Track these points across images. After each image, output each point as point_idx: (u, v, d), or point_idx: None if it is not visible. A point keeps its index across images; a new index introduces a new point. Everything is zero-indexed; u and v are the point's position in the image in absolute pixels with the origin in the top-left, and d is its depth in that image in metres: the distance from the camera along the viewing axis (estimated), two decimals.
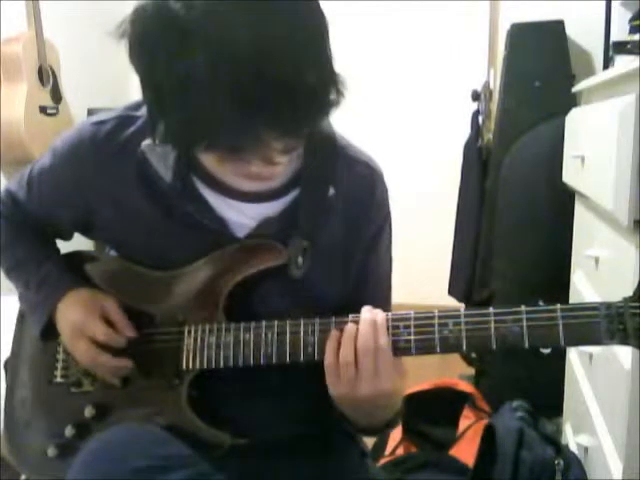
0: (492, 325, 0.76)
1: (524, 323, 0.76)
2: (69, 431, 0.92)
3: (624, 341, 0.74)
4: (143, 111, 0.93)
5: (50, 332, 0.97)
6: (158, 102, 0.72)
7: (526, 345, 0.76)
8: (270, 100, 0.66)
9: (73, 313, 0.94)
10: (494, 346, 0.76)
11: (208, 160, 0.88)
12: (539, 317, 0.76)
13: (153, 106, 0.75)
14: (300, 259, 0.89)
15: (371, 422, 0.90)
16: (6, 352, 1.07)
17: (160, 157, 0.89)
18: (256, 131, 0.68)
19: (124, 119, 0.93)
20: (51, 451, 0.93)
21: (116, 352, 0.91)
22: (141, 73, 0.73)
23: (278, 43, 0.66)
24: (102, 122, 0.93)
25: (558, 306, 0.75)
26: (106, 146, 0.91)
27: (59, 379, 0.98)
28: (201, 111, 0.67)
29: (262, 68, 0.65)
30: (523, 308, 0.76)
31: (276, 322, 0.85)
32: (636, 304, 0.73)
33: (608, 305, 0.74)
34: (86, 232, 1.01)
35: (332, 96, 0.71)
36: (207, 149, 0.73)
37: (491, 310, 0.77)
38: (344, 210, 0.93)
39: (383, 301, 0.97)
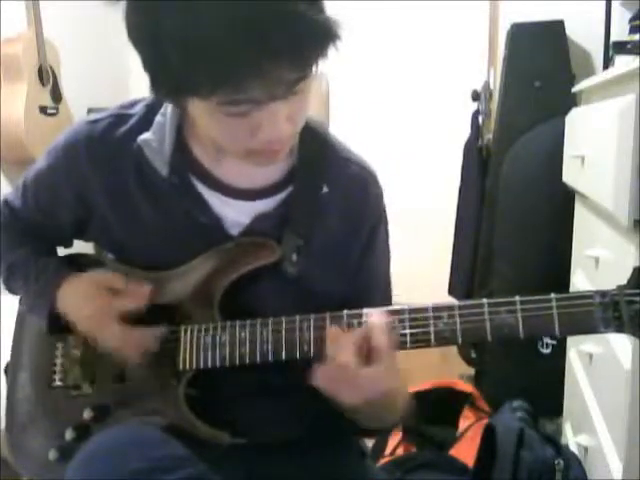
0: (487, 316, 0.76)
1: (519, 314, 0.76)
2: (69, 434, 0.92)
3: (619, 329, 0.73)
4: (138, 109, 0.93)
5: (55, 324, 0.96)
6: (159, 53, 0.70)
7: (521, 335, 0.75)
8: (268, 28, 0.66)
9: (84, 299, 0.92)
10: (489, 338, 0.76)
11: (206, 155, 0.89)
12: (534, 307, 0.76)
13: (154, 59, 0.73)
14: (294, 256, 0.89)
15: (381, 421, 0.88)
16: (5, 352, 1.07)
17: (156, 152, 0.89)
18: (258, 61, 0.67)
19: (119, 117, 0.93)
20: (52, 454, 0.93)
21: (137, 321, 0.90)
22: (139, 30, 0.72)
23: None
24: (97, 121, 0.93)
25: (552, 295, 0.75)
26: (102, 144, 0.92)
27: (58, 382, 0.98)
28: (205, 50, 0.67)
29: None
30: (517, 298, 0.76)
31: (271, 319, 0.85)
32: (631, 292, 0.73)
33: (603, 293, 0.74)
34: (83, 234, 1.00)
35: (328, 26, 0.70)
36: (213, 90, 0.70)
37: (485, 301, 0.77)
38: (339, 209, 0.93)
39: (383, 300, 0.97)
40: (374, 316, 0.79)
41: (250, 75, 0.69)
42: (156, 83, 0.76)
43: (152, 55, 0.73)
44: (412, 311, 0.80)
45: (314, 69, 0.74)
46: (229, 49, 0.66)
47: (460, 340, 0.77)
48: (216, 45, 0.66)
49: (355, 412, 0.82)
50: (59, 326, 0.96)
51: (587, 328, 0.75)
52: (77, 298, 0.94)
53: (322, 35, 0.70)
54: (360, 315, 0.82)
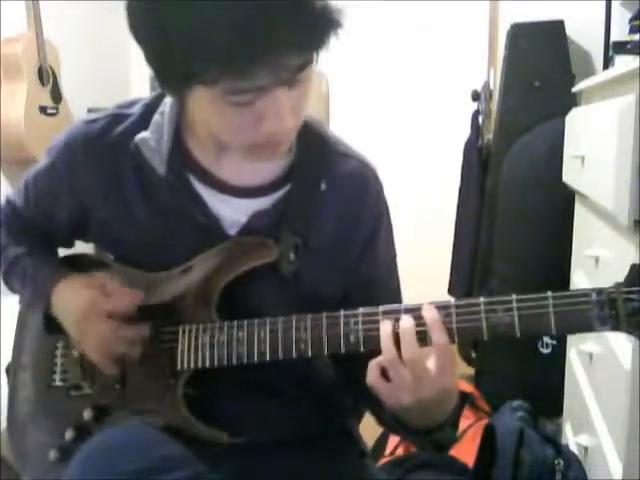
0: (483, 315, 0.75)
1: (515, 312, 0.75)
2: (69, 434, 0.92)
3: (616, 327, 0.72)
4: (135, 109, 0.93)
5: (53, 324, 0.96)
6: (164, 42, 0.70)
7: (517, 334, 0.74)
8: (274, 13, 0.66)
9: (75, 299, 0.92)
10: (485, 337, 0.75)
11: (204, 153, 0.89)
12: (530, 306, 0.75)
13: (159, 49, 0.72)
14: (292, 255, 0.89)
15: (433, 422, 0.83)
16: (5, 351, 1.07)
17: (154, 151, 0.89)
18: (265, 46, 0.67)
19: (116, 117, 0.93)
20: (52, 454, 0.93)
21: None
22: (143, 21, 0.72)
23: None
24: (94, 120, 0.93)
25: (549, 294, 0.74)
26: (98, 143, 0.92)
27: (58, 382, 0.98)
28: (211, 36, 0.66)
29: None
30: (514, 297, 0.75)
31: (268, 319, 0.85)
32: (628, 289, 0.72)
33: (599, 291, 0.73)
34: (83, 234, 1.00)
35: (332, 12, 0.71)
36: (219, 75, 0.70)
37: (481, 300, 0.76)
38: (338, 206, 0.93)
39: (391, 297, 0.96)
40: (429, 312, 0.76)
41: (256, 60, 0.68)
42: (161, 74, 0.76)
43: (157, 45, 0.72)
44: (407, 310, 0.79)
45: (317, 55, 0.74)
46: (235, 34, 0.66)
47: (456, 339, 0.76)
48: (221, 31, 0.66)
49: (408, 411, 0.79)
50: (57, 324, 0.96)
51: (583, 326, 0.74)
52: (68, 298, 0.94)
53: (326, 20, 0.70)
54: (356, 315, 0.81)
